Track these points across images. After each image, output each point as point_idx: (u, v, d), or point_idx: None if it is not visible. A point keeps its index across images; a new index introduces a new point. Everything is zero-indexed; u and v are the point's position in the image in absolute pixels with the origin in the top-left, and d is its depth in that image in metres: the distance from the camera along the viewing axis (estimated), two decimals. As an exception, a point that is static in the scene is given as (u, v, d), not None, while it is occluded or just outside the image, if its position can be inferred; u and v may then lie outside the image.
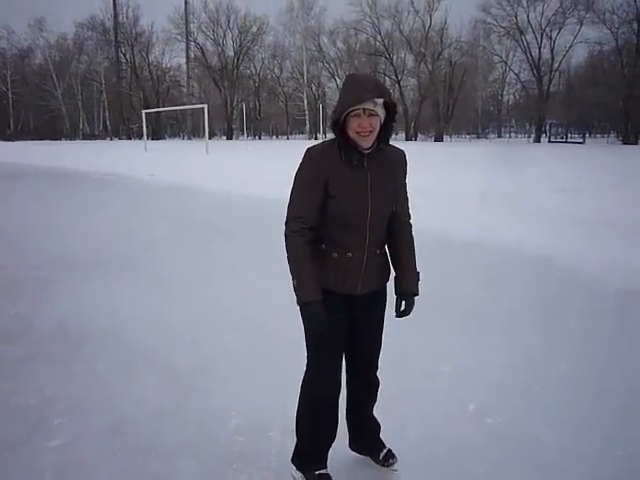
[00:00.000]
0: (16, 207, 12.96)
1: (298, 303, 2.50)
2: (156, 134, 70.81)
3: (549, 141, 54.63)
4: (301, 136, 73.84)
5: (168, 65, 78.25)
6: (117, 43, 72.63)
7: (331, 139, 2.50)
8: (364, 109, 2.35)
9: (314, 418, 2.72)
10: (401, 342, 3.93)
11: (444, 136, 63.08)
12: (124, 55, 74.29)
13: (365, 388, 2.86)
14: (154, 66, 76.09)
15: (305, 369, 2.72)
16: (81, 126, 75.32)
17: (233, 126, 74.35)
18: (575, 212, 10.27)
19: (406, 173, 2.68)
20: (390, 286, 2.72)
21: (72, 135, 74.83)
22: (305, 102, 67.46)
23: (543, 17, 55.52)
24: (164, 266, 7.15)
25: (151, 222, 10.56)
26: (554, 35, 56.10)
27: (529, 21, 55.92)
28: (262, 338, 4.74)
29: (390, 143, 2.57)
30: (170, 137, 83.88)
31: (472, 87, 64.79)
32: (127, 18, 73.38)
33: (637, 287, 5.96)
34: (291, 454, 2.83)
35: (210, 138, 42.65)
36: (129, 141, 65.19)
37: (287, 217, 2.53)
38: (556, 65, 58.21)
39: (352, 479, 2.85)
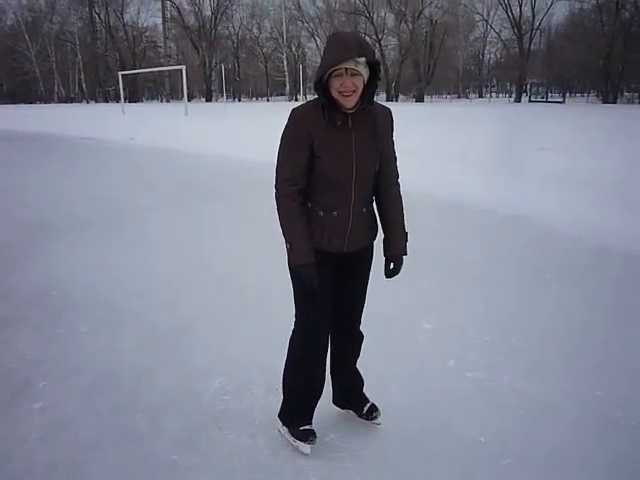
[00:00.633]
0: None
1: (291, 265, 2.53)
2: (133, 96, 69.50)
3: (530, 101, 54.52)
4: (281, 97, 73.03)
5: (144, 25, 76.49)
6: (91, 2, 70.61)
7: (316, 99, 2.47)
8: (346, 68, 2.31)
9: (302, 375, 2.75)
10: (383, 299, 3.98)
11: (425, 96, 62.72)
12: (98, 15, 72.32)
13: (349, 342, 2.90)
14: (130, 26, 74.22)
15: (293, 327, 2.74)
16: (56, 89, 73.50)
17: (212, 88, 73.19)
18: (553, 171, 10.34)
19: (392, 132, 2.65)
20: (378, 244, 2.73)
21: (47, 98, 73.13)
22: (285, 63, 66.52)
23: (525, -26, 54.96)
24: (144, 228, 7.11)
25: (131, 186, 10.44)
26: (535, -8, 55.64)
27: (510, -22, 55.33)
28: (244, 295, 4.77)
29: (375, 102, 2.54)
30: (148, 99, 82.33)
31: (453, 46, 64.21)
32: (101, -24, 71.30)
33: (609, 244, 6.06)
34: (278, 409, 2.88)
35: (189, 100, 41.96)
36: (106, 104, 64.03)
37: (276, 180, 2.53)
38: (537, 23, 57.92)
39: (336, 434, 2.90)
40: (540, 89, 57.32)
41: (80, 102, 70.39)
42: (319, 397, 2.82)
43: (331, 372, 2.95)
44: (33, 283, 5.15)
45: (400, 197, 2.73)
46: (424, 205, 7.85)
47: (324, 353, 2.77)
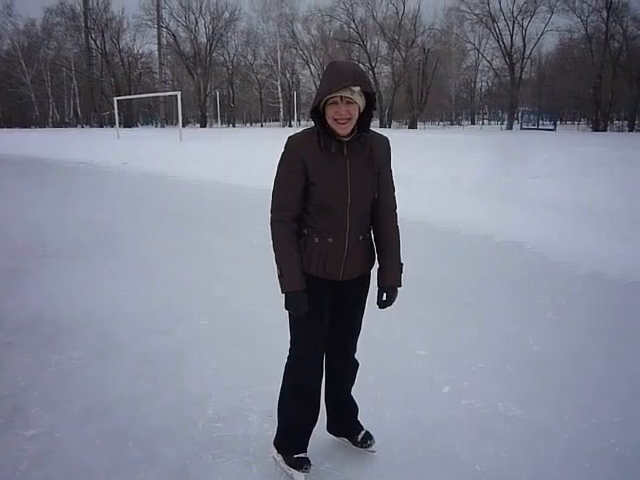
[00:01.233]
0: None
1: (282, 292, 2.53)
2: (128, 122, 69.85)
3: (521, 128, 55.11)
4: (275, 123, 73.43)
5: (140, 51, 77.22)
6: (87, 29, 71.19)
7: (312, 127, 2.51)
8: (341, 97, 2.36)
9: (297, 403, 2.75)
10: (378, 326, 3.97)
11: (418, 123, 63.29)
12: (94, 41, 72.86)
13: (344, 369, 2.89)
14: (125, 52, 74.89)
15: (288, 354, 2.74)
16: (51, 113, 73.74)
17: (207, 113, 73.61)
18: (546, 198, 10.41)
19: (390, 160, 2.66)
20: (375, 272, 2.73)
21: (42, 123, 73.31)
22: (279, 89, 66.99)
23: (515, 5, 55.89)
24: (137, 254, 7.11)
25: (124, 211, 10.46)
26: (525, 23, 56.61)
27: (501, 9, 56.28)
28: (238, 322, 4.76)
29: (372, 130, 2.57)
30: (143, 125, 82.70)
31: (445, 74, 64.94)
32: (97, 4, 72.06)
33: (603, 270, 6.10)
34: (273, 437, 2.86)
35: (184, 126, 42.23)
36: (101, 129, 64.18)
37: (271, 206, 2.55)
38: (528, 53, 58.77)
39: (331, 462, 2.89)
40: (532, 116, 57.99)
41: (75, 127, 70.56)
42: (314, 425, 2.81)
43: (326, 400, 2.94)
44: (26, 309, 5.13)
45: (397, 227, 2.72)
46: (417, 231, 7.89)
47: (319, 380, 2.77)
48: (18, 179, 15.82)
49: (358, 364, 2.92)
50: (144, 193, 13.08)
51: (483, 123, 77.03)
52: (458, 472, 2.82)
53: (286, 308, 2.57)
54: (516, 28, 56.92)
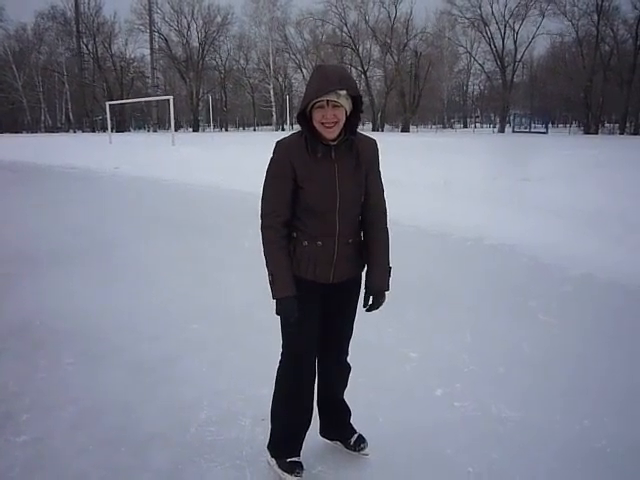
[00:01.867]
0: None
1: (273, 297, 2.53)
2: (120, 126, 69.76)
3: (513, 131, 55.38)
4: (268, 127, 73.50)
5: (132, 56, 77.26)
6: (79, 33, 71.19)
7: (300, 131, 2.51)
8: (327, 100, 2.36)
9: (289, 406, 2.75)
10: (370, 330, 3.98)
11: (410, 126, 63.48)
12: (86, 46, 72.91)
13: (336, 373, 2.89)
14: (117, 57, 74.95)
15: (280, 358, 2.74)
16: (43, 118, 73.58)
17: (199, 118, 73.66)
18: (537, 200, 10.45)
19: (378, 163, 2.66)
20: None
21: (34, 128, 73.11)
22: (271, 93, 67.14)
23: (506, 9, 56.48)
24: (129, 260, 7.08)
25: (115, 216, 10.42)
26: (517, 27, 57.18)
27: (493, 13, 56.89)
28: (230, 326, 4.75)
29: (360, 133, 2.57)
30: (135, 129, 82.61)
31: (437, 78, 65.25)
32: (89, 8, 72.13)
33: (595, 273, 6.12)
34: (266, 441, 2.86)
35: (176, 130, 42.17)
36: (93, 134, 64.06)
37: (261, 212, 2.55)
38: (519, 56, 59.17)
39: (324, 465, 2.88)
40: (523, 120, 58.30)
41: (67, 132, 70.38)
42: (307, 429, 2.80)
43: (318, 403, 2.94)
44: (16, 315, 5.10)
45: (386, 229, 2.70)
46: (410, 234, 7.90)
47: (311, 384, 2.76)
48: (8, 184, 15.75)
49: (350, 367, 2.91)
50: (136, 198, 13.03)
51: (475, 126, 77.42)
52: (451, 474, 2.82)
53: (277, 314, 2.57)
54: (508, 31, 57.50)
